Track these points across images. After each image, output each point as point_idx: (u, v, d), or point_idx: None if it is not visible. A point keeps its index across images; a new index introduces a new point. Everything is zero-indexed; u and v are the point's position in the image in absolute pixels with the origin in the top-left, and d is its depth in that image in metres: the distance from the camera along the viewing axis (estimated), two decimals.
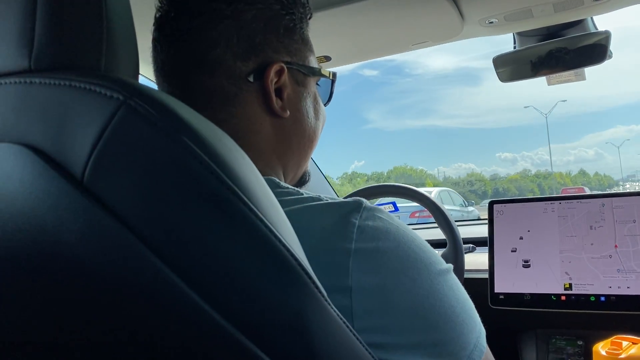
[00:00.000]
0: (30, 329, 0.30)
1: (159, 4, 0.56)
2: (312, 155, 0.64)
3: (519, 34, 1.05)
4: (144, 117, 0.31)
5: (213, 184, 0.31)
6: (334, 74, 0.65)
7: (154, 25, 0.57)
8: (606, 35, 0.95)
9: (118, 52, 0.38)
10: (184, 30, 0.54)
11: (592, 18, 1.00)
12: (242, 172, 0.33)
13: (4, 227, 0.32)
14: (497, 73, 1.06)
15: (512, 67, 1.05)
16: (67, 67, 0.36)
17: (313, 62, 0.60)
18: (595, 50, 0.97)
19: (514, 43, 1.08)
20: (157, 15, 0.56)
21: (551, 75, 1.07)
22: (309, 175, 0.65)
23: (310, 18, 0.60)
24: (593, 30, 0.99)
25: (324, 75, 0.62)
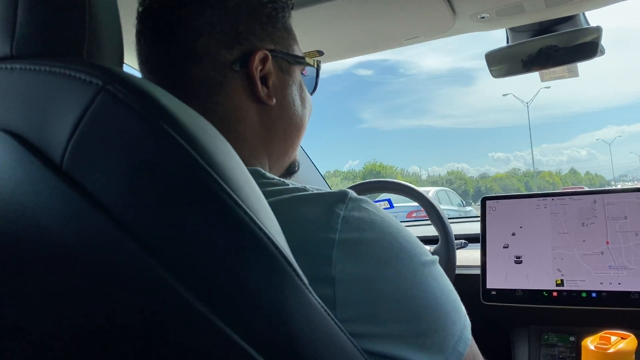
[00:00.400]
0: (10, 313, 0.30)
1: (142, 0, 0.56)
2: (305, 148, 0.65)
3: (512, 29, 1.05)
4: (123, 102, 0.31)
5: (192, 170, 0.31)
6: (319, 62, 0.65)
7: (136, 18, 0.57)
8: (598, 31, 0.95)
9: (101, 39, 0.38)
10: (167, 21, 0.54)
11: (584, 14, 1.00)
12: (223, 159, 0.33)
13: None
14: (490, 69, 1.06)
15: (504, 63, 1.05)
16: (49, 54, 0.36)
17: (297, 51, 0.61)
18: (587, 46, 0.97)
19: (507, 39, 1.08)
20: (140, 10, 0.57)
21: (544, 72, 1.07)
22: (298, 165, 0.65)
23: (292, 8, 0.61)
24: (585, 26, 1.00)
25: (308, 64, 0.62)
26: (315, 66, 0.64)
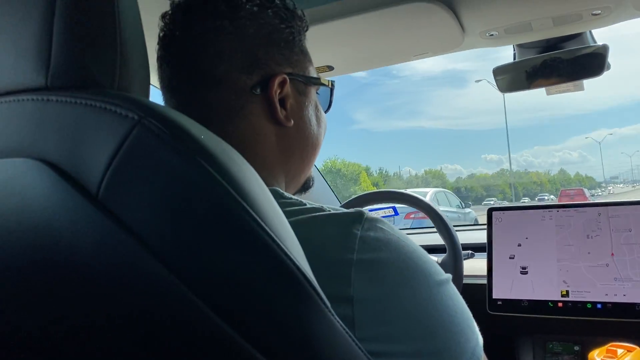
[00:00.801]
0: (45, 343, 0.32)
1: (163, 24, 0.58)
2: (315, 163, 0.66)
3: (519, 45, 1.06)
4: (158, 136, 0.32)
5: (225, 202, 0.32)
6: (333, 83, 0.67)
7: (158, 44, 0.58)
8: (604, 49, 0.96)
9: (131, 70, 0.39)
10: (189, 48, 0.56)
11: (590, 31, 1.01)
12: (251, 187, 0.34)
13: (20, 240, 0.33)
14: (497, 83, 1.08)
15: (511, 78, 1.06)
16: (82, 85, 0.37)
17: (312, 72, 0.62)
18: (593, 63, 0.98)
19: (514, 54, 1.09)
20: (161, 35, 0.58)
21: (550, 86, 1.08)
22: (313, 181, 0.67)
23: (307, 30, 0.62)
24: (591, 44, 1.01)
25: (323, 84, 0.64)
26: (330, 86, 0.66)
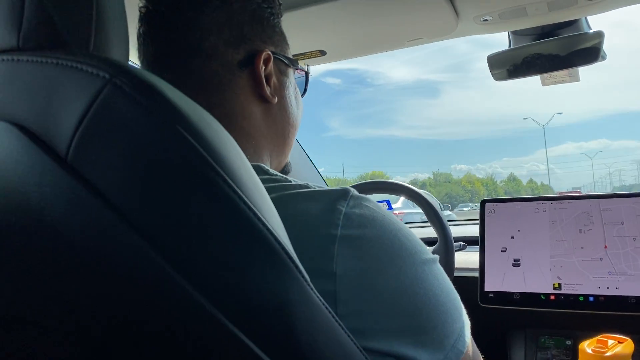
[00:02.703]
0: (12, 304, 0.30)
1: (145, 1, 0.58)
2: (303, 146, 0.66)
3: (514, 32, 1.05)
4: (130, 95, 0.31)
5: (197, 164, 0.31)
6: (308, 68, 0.70)
7: (140, 21, 0.58)
8: (599, 36, 0.96)
9: (108, 33, 0.38)
10: (176, 22, 0.56)
11: (586, 18, 1.00)
12: (227, 153, 0.33)
13: None
14: (492, 72, 1.07)
15: (506, 66, 1.05)
16: (56, 47, 0.36)
17: (290, 55, 0.64)
18: (588, 51, 0.97)
19: (509, 42, 1.08)
20: (144, 11, 0.58)
21: (545, 75, 1.07)
22: (291, 167, 0.67)
23: (281, 17, 0.63)
24: (587, 31, 1.00)
25: (301, 68, 0.66)
26: (306, 70, 0.68)
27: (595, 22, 0.98)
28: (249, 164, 0.36)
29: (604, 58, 0.97)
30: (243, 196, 0.32)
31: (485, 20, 0.91)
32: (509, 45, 1.07)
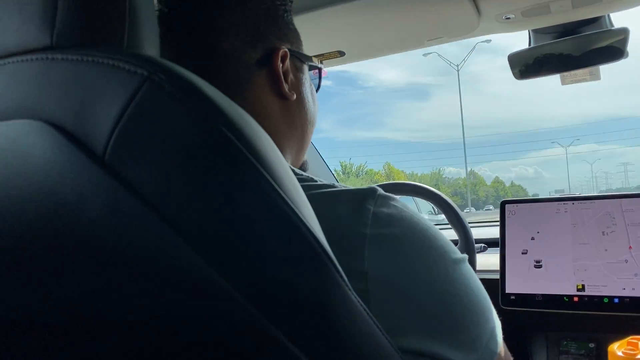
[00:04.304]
0: (50, 307, 0.30)
1: (163, 3, 0.58)
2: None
3: (535, 31, 1.04)
4: (169, 93, 0.30)
5: (241, 166, 0.30)
6: (322, 63, 0.72)
7: (159, 20, 0.58)
8: (624, 32, 0.94)
9: (141, 30, 0.38)
10: (193, 23, 0.56)
11: (608, 16, 0.99)
12: (266, 152, 0.32)
13: (25, 203, 0.31)
14: (512, 70, 1.05)
15: (526, 65, 1.04)
16: (89, 44, 0.36)
17: (304, 51, 0.64)
18: (612, 49, 0.96)
19: (529, 40, 1.07)
20: (161, 13, 0.58)
21: (565, 74, 1.06)
22: (308, 165, 0.67)
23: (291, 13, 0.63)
24: (609, 28, 0.98)
25: (316, 65, 0.66)
26: (320, 66, 0.68)
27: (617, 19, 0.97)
28: (286, 163, 0.36)
29: (626, 56, 0.95)
30: (286, 198, 0.31)
31: (508, 18, 0.89)
32: (529, 44, 1.06)
